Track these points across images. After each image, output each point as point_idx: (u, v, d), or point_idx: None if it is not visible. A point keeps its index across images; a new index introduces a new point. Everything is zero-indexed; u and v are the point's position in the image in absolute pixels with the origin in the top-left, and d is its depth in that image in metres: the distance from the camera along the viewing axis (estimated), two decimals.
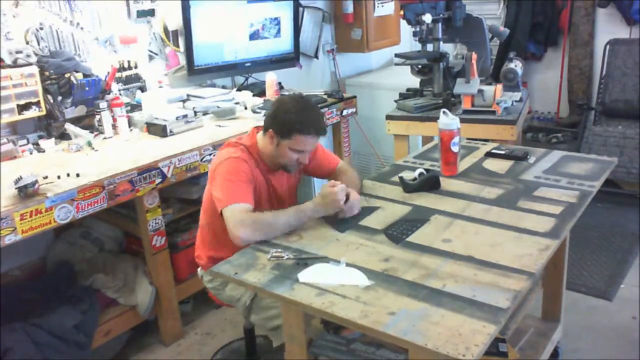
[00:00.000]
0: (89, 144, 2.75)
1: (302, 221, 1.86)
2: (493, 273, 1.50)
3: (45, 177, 2.29)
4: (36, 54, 2.77)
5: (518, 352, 2.22)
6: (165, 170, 2.59)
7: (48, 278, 2.80)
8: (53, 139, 2.78)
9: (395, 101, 3.60)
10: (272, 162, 2.10)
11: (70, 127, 2.82)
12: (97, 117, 2.90)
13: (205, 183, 3.01)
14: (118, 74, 3.17)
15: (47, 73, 2.73)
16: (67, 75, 2.77)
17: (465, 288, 1.44)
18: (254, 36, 3.64)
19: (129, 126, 2.96)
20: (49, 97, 2.73)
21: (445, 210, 1.91)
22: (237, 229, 1.79)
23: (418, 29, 3.31)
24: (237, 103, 3.33)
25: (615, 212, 3.95)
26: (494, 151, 2.44)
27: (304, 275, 1.55)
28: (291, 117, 1.97)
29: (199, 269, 2.28)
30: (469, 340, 1.23)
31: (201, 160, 2.73)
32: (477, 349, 1.21)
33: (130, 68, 3.24)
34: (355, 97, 3.75)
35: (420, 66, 3.68)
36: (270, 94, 3.58)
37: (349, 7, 4.38)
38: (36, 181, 2.17)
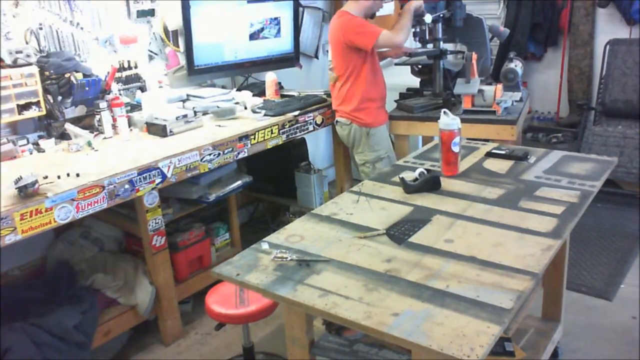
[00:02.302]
0: (89, 144, 2.74)
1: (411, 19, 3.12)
2: (496, 273, 1.50)
3: (45, 177, 2.29)
4: (36, 54, 2.77)
5: None
6: (165, 170, 2.59)
7: (48, 278, 2.79)
8: (53, 139, 2.78)
9: (396, 101, 3.60)
10: (367, 16, 3.19)
11: (70, 127, 2.81)
12: (97, 117, 2.89)
13: (205, 183, 3.05)
14: (118, 74, 3.17)
15: (47, 73, 2.72)
16: (67, 75, 2.76)
17: (468, 289, 1.44)
18: (254, 36, 3.64)
19: (129, 126, 2.95)
20: (49, 97, 2.73)
21: (447, 211, 1.91)
22: (397, 38, 3.05)
23: (418, 29, 3.32)
24: (237, 103, 3.33)
25: (615, 212, 3.96)
26: (494, 151, 2.44)
27: None
28: None
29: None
30: (473, 341, 1.23)
31: (201, 160, 2.73)
32: (482, 349, 1.20)
33: (130, 68, 3.24)
34: None
35: (420, 66, 3.68)
36: (270, 94, 3.58)
37: None
38: (36, 181, 2.16)
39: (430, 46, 3.38)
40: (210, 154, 2.77)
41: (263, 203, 4.15)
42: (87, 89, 2.83)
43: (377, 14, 4.11)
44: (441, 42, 3.36)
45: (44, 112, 2.72)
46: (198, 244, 3.09)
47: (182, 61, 3.47)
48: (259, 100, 3.44)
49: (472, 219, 1.84)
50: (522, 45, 5.27)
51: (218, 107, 3.23)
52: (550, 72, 5.49)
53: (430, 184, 2.08)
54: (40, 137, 2.79)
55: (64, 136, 2.83)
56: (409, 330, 1.29)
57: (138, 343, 2.87)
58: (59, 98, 2.78)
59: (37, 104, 2.68)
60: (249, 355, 2.40)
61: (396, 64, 3.80)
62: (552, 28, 5.31)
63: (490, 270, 1.52)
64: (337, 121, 3.35)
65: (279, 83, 3.67)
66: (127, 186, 2.45)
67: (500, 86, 3.22)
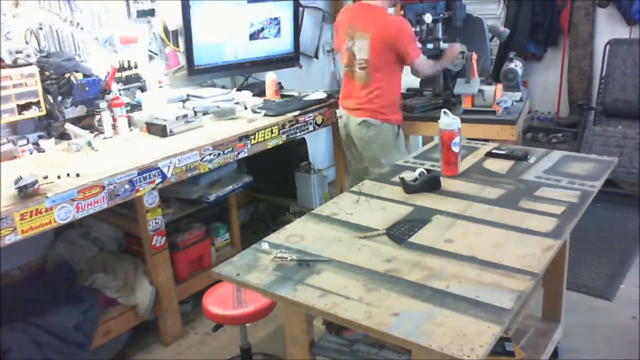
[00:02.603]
0: (89, 144, 2.74)
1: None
2: (496, 273, 1.50)
3: (45, 177, 2.29)
4: (36, 54, 2.77)
5: None
6: (165, 170, 2.59)
7: (48, 278, 2.79)
8: (53, 139, 2.78)
9: None
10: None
11: (70, 127, 2.81)
12: (97, 117, 2.89)
13: (205, 183, 3.05)
14: (118, 74, 3.16)
15: (47, 73, 2.72)
16: (67, 75, 2.76)
17: (468, 289, 1.44)
18: (254, 36, 3.64)
19: (129, 126, 2.95)
20: (49, 97, 2.73)
21: (447, 211, 1.91)
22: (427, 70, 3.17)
23: (418, 29, 3.31)
24: (237, 103, 3.33)
25: (615, 212, 3.96)
26: (494, 151, 2.44)
27: None
28: None
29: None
30: (473, 341, 1.23)
31: (201, 160, 2.73)
32: (482, 349, 1.20)
33: (130, 68, 3.24)
34: None
35: None
36: (270, 94, 3.58)
37: None
38: (36, 181, 2.16)
39: (430, 46, 3.38)
40: (210, 154, 2.77)
41: (263, 203, 4.15)
42: (87, 89, 2.83)
43: None
44: (441, 42, 3.36)
45: (44, 112, 2.72)
46: (198, 244, 3.09)
47: (182, 61, 3.47)
48: (259, 100, 3.44)
49: (472, 219, 1.84)
50: (522, 45, 5.26)
51: (218, 107, 3.23)
52: (550, 72, 5.48)
53: (430, 184, 2.08)
54: (40, 137, 2.79)
55: (64, 136, 2.83)
56: (409, 330, 1.29)
57: (138, 343, 2.87)
58: (59, 98, 2.78)
59: (37, 104, 2.68)
60: (246, 356, 2.39)
61: None
62: (552, 28, 5.31)
63: (490, 270, 1.52)
64: (364, 120, 3.11)
65: (279, 83, 3.67)
66: (127, 186, 2.45)
67: (500, 86, 3.22)
